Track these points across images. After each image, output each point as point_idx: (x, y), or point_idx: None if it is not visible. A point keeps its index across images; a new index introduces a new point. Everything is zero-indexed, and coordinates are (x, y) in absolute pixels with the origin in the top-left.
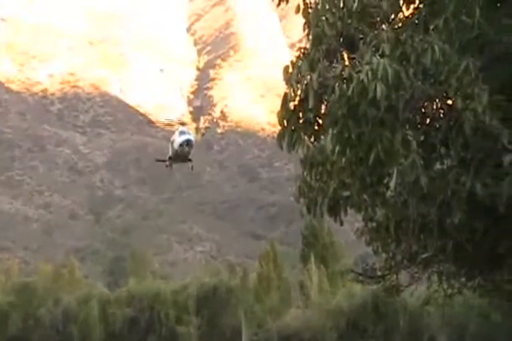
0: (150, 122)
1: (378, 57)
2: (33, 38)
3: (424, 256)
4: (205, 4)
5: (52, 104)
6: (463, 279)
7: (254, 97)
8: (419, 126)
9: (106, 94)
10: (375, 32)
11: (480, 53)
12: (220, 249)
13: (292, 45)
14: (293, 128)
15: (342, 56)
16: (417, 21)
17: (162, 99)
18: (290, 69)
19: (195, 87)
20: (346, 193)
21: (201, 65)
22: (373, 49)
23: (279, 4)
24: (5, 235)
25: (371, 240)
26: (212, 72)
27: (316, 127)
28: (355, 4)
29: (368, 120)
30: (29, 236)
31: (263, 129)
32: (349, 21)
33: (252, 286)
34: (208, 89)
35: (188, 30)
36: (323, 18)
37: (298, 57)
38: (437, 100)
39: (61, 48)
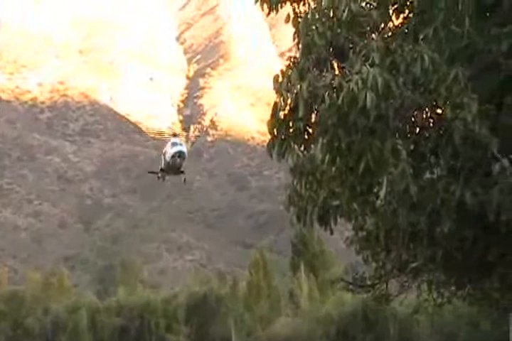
0: (142, 133)
1: (368, 66)
2: (22, 46)
3: (413, 265)
4: (195, 13)
5: (41, 112)
6: (452, 288)
7: (244, 106)
8: (408, 135)
9: (96, 102)
10: (365, 41)
11: (469, 63)
12: (210, 257)
13: (282, 54)
14: (283, 137)
15: (332, 65)
16: (406, 31)
17: (152, 107)
18: (280, 78)
19: (185, 95)
20: (336, 202)
21: (191, 74)
22: (363, 58)
23: (268, 13)
24: None
25: (361, 249)
26: (202, 81)
27: (306, 136)
28: (345, 14)
29: (357, 129)
30: (18, 244)
31: (253, 138)
32: (339, 31)
33: (241, 295)
34: (197, 97)
35: (178, 38)
36: (313, 27)
37: (288, 66)
38: (427, 109)
39: (50, 57)
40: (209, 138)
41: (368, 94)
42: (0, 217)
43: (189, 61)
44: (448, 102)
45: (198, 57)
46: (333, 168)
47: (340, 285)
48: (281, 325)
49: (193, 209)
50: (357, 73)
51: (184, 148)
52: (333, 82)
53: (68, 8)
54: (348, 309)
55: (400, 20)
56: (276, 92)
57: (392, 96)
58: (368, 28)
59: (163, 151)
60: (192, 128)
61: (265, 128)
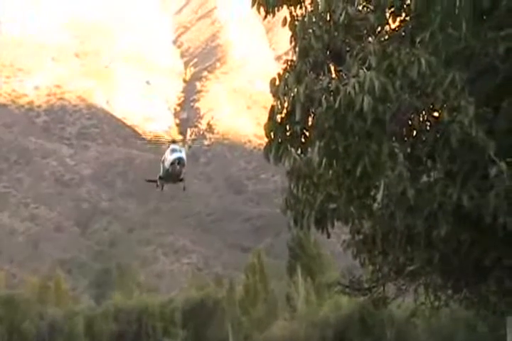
0: (141, 139)
1: (365, 69)
2: (18, 50)
3: (410, 268)
4: (192, 17)
5: (38, 116)
6: (449, 291)
7: (241, 109)
8: (405, 138)
9: (92, 106)
10: (362, 44)
11: (466, 66)
12: (207, 260)
13: (279, 58)
14: (280, 140)
15: (329, 69)
16: (403, 34)
17: (149, 111)
18: (277, 82)
19: (182, 99)
20: (333, 205)
21: (188, 77)
22: (360, 61)
23: (265, 17)
24: None
25: (358, 252)
26: (198, 84)
27: (303, 139)
28: (342, 17)
29: (354, 132)
30: (15, 248)
31: (250, 141)
32: (336, 34)
33: (238, 298)
34: (194, 101)
35: (175, 42)
36: (310, 30)
37: (285, 70)
38: (424, 112)
39: (47, 60)
40: (206, 142)
41: (364, 98)
42: None
43: (186, 64)
44: (445, 105)
45: (195, 60)
46: (330, 172)
47: (337, 289)
48: (278, 329)
49: (190, 213)
50: (354, 76)
51: (184, 155)
52: (330, 85)
53: (64, 12)
54: (345, 312)
55: (397, 23)
56: (273, 96)
57: (389, 99)
58: (365, 32)
59: (162, 159)
60: (189, 131)
61: (262, 132)
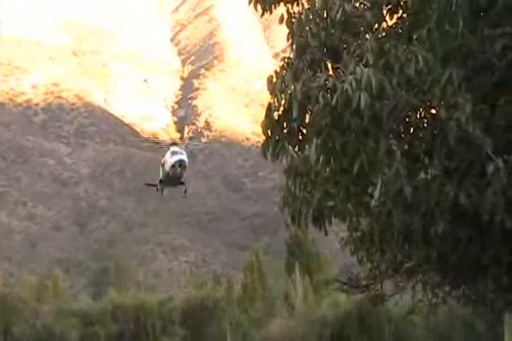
0: (142, 140)
1: (362, 67)
2: (16, 48)
3: (408, 265)
4: (189, 14)
5: (36, 114)
6: (447, 288)
7: (239, 107)
8: (403, 135)
9: (90, 104)
10: (359, 42)
11: (463, 63)
12: (205, 259)
13: (276, 55)
14: (277, 138)
15: (326, 66)
16: (400, 31)
17: (146, 109)
18: (274, 79)
19: (180, 96)
20: (331, 203)
21: (185, 75)
22: (357, 59)
23: (262, 14)
24: None
25: (356, 250)
26: (196, 82)
27: (300, 137)
28: (339, 14)
29: (351, 130)
30: (13, 247)
31: (247, 139)
32: (333, 31)
33: (236, 297)
34: (192, 99)
35: (172, 40)
36: (307, 28)
37: (282, 67)
38: (421, 110)
39: (44, 59)
40: (203, 140)
41: (361, 95)
42: None
43: (183, 62)
44: (442, 103)
45: (192, 58)
46: (328, 169)
47: (335, 286)
48: (276, 327)
49: (188, 212)
50: (351, 74)
51: (185, 157)
52: (327, 82)
53: (62, 11)
54: (343, 310)
55: (394, 20)
56: (270, 93)
57: (386, 96)
58: (362, 29)
59: (162, 161)
60: (186, 129)
61: (260, 130)
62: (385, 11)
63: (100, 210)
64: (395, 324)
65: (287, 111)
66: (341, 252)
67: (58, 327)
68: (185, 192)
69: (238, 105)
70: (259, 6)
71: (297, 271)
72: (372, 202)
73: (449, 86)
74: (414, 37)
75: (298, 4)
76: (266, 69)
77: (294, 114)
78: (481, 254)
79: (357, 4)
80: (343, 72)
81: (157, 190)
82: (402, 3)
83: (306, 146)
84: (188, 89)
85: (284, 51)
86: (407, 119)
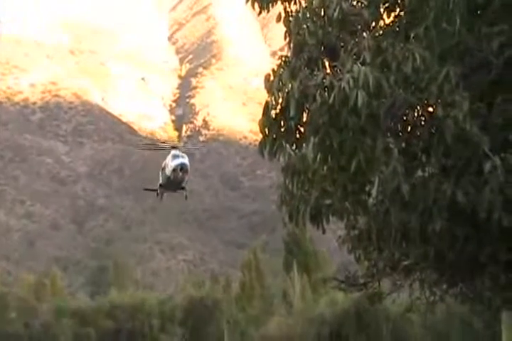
0: (144, 145)
1: (359, 65)
2: (13, 47)
3: (405, 263)
4: (187, 13)
5: (33, 113)
6: (444, 286)
7: (236, 105)
8: (400, 133)
9: (88, 103)
10: (356, 40)
11: (460, 61)
12: (203, 257)
13: (274, 54)
14: (274, 136)
15: (323, 64)
16: (397, 29)
17: (144, 107)
18: (271, 78)
19: (177, 95)
20: (328, 201)
21: (183, 74)
22: (354, 57)
23: (260, 13)
24: None
25: (353, 248)
26: (194, 81)
27: (298, 135)
28: (336, 12)
29: (349, 128)
30: (11, 246)
31: (245, 137)
32: (330, 29)
33: (234, 295)
34: (189, 97)
35: (170, 38)
36: (304, 26)
37: (279, 66)
38: (418, 108)
39: (42, 57)
40: (201, 138)
41: (359, 93)
42: None
43: (181, 61)
44: (439, 101)
45: (190, 56)
46: (325, 167)
47: (333, 284)
48: (274, 325)
49: (186, 210)
50: (348, 72)
51: (186, 161)
52: (324, 81)
53: (60, 10)
54: (341, 308)
55: (391, 18)
56: (268, 91)
57: (383, 95)
58: (359, 27)
59: (162, 165)
60: (184, 127)
61: (257, 128)
62: (382, 9)
63: (98, 209)
64: (392, 322)
65: (285, 109)
66: (339, 250)
67: (56, 325)
68: (186, 198)
69: (236, 103)
70: (256, 5)
71: (295, 269)
72: (370, 200)
73: (446, 84)
74: (412, 35)
75: (295, 3)
76: (264, 68)
77: (292, 113)
78: (479, 252)
79: (354, 2)
80: (340, 70)
81: (157, 194)
82: (399, 1)
83: (304, 144)
84: (185, 87)
85: (281, 49)
86: (404, 117)
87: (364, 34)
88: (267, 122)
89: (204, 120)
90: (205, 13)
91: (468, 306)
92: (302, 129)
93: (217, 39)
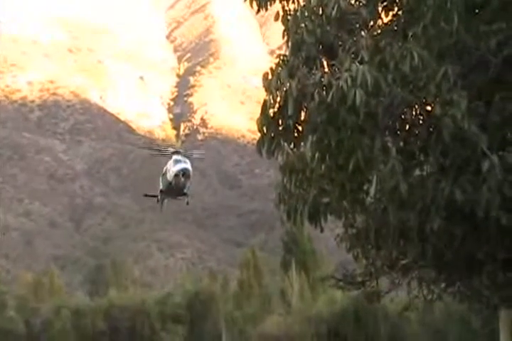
0: (149, 149)
1: (357, 64)
2: (11, 45)
3: (404, 262)
4: (185, 11)
5: (31, 111)
6: (442, 285)
7: (234, 104)
8: (398, 132)
9: (86, 101)
10: (354, 39)
11: (458, 60)
12: (201, 256)
13: (272, 52)
14: (272, 135)
15: (321, 63)
16: (395, 28)
17: (142, 106)
18: (269, 76)
19: (175, 94)
20: (326, 200)
21: (181, 72)
22: (352, 56)
23: (258, 11)
24: None
25: (351, 246)
26: (192, 79)
27: (296, 134)
28: (334, 11)
29: (347, 127)
30: (9, 244)
31: (243, 136)
32: (328, 28)
33: (232, 293)
34: (188, 96)
35: (168, 37)
36: (303, 25)
37: (277, 64)
38: (416, 106)
39: (40, 56)
40: (199, 137)
41: (357, 92)
42: None
43: (179, 59)
44: (437, 99)
45: (188, 55)
46: (323, 166)
47: (331, 283)
48: (272, 324)
49: (184, 208)
50: (346, 71)
51: (189, 166)
52: (322, 79)
53: (57, 8)
54: (339, 307)
55: (389, 17)
56: (266, 90)
57: (381, 93)
58: (357, 26)
59: (163, 171)
60: (182, 126)
61: (255, 127)
62: (380, 8)
63: (96, 207)
64: (390, 320)
65: (283, 108)
66: (337, 249)
67: (56, 324)
68: (188, 203)
69: (234, 102)
70: (254, 3)
71: (293, 268)
72: (368, 199)
73: (444, 82)
74: (410, 34)
75: (293, 1)
76: (262, 67)
77: (290, 111)
78: (477, 251)
79: (352, 1)
80: (338, 69)
81: (157, 201)
82: (397, 0)
83: (302, 143)
84: (183, 86)
85: (279, 48)
86: (402, 116)
87: (362, 33)
88: (265, 121)
89: (202, 118)
90: (203, 12)
91: (467, 304)
92: (300, 128)
93: (215, 37)
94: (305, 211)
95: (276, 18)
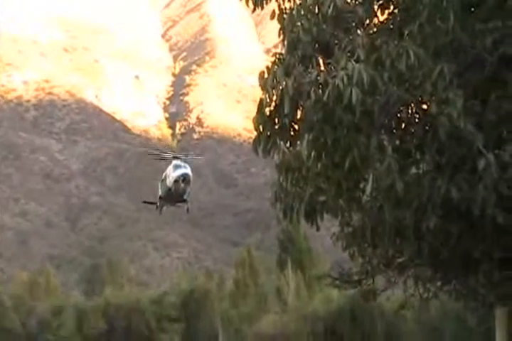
0: (148, 154)
1: (353, 62)
2: (7, 45)
3: (400, 260)
4: (181, 10)
5: (27, 111)
6: (439, 283)
7: (230, 103)
8: (394, 131)
9: (81, 101)
10: (350, 37)
11: (454, 58)
12: (197, 255)
13: (268, 51)
14: (268, 133)
15: (317, 61)
16: (391, 26)
17: (138, 105)
18: (265, 75)
19: (171, 93)
20: (322, 198)
21: (177, 71)
22: (348, 54)
23: (254, 10)
24: None
25: (348, 245)
26: (187, 78)
27: (292, 132)
28: (330, 10)
29: (343, 125)
30: (5, 244)
31: (239, 135)
32: (324, 27)
33: (228, 292)
34: (183, 95)
35: (164, 36)
36: (299, 23)
37: (273, 63)
38: (412, 105)
39: (36, 55)
40: (195, 136)
41: (353, 90)
42: None
43: (175, 58)
44: (433, 98)
45: (184, 54)
46: (319, 164)
47: (327, 281)
48: (268, 322)
49: (180, 208)
50: (342, 69)
51: (189, 171)
52: (318, 78)
53: (53, 7)
54: (336, 305)
55: (385, 16)
56: (262, 89)
57: (377, 92)
58: (353, 24)
59: (163, 176)
60: (178, 125)
61: (252, 125)
62: (376, 7)
63: (92, 206)
64: (386, 318)
65: (279, 106)
66: (333, 247)
67: (52, 323)
68: (188, 210)
69: (230, 101)
70: (250, 2)
71: (289, 267)
72: (364, 198)
73: (440, 81)
74: (406, 32)
75: (289, 0)
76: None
77: (286, 110)
78: (473, 249)
79: (348, 0)
80: (334, 67)
81: (157, 207)
82: None
83: (298, 142)
84: (179, 85)
85: (275, 47)
86: (398, 115)
87: (358, 31)
88: (261, 119)
89: (198, 118)
90: (199, 11)
91: (462, 303)
92: (296, 126)
93: (211, 36)
94: (301, 209)
95: (272, 17)
